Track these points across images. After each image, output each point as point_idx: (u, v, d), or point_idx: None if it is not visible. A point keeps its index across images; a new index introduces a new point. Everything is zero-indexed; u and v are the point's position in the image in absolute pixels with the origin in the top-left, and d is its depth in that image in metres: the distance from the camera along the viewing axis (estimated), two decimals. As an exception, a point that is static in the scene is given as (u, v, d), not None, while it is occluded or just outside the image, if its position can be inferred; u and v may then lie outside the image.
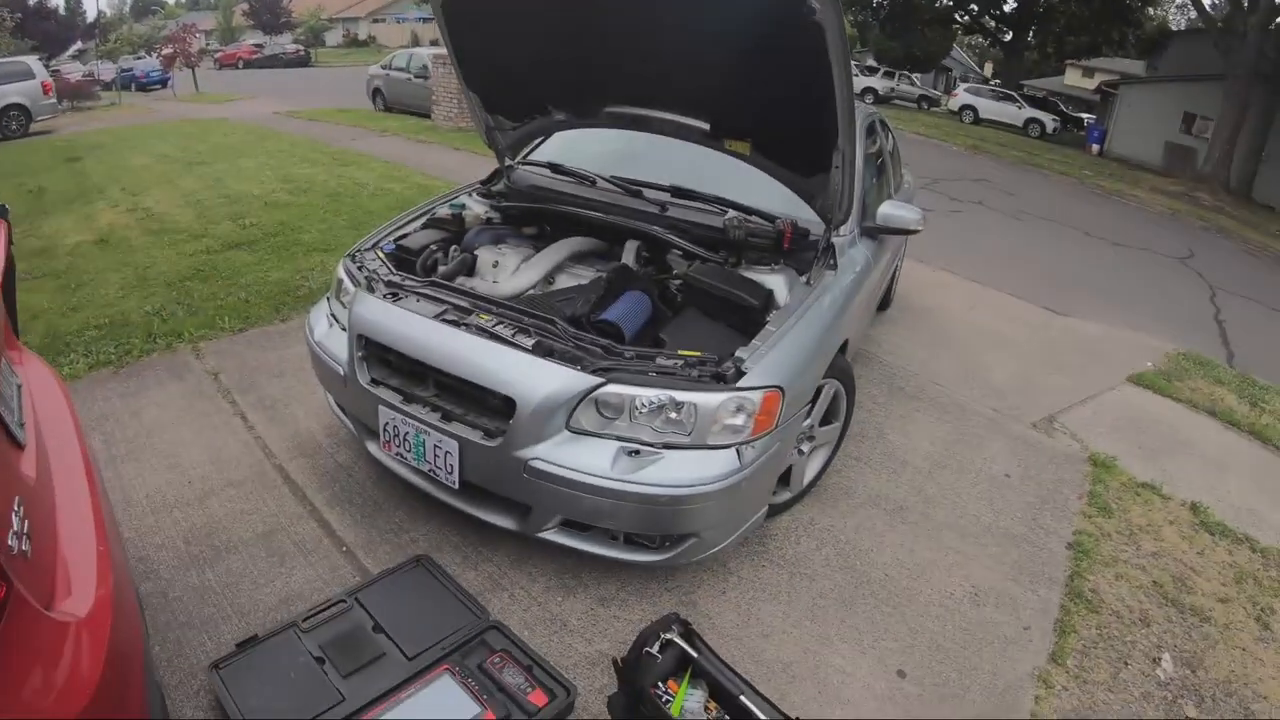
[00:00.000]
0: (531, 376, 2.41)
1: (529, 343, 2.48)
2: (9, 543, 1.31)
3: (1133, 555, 3.23)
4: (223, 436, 3.57)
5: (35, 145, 11.76)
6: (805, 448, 3.11)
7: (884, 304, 5.35)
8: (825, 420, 3.21)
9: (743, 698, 2.08)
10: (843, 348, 3.17)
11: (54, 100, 15.00)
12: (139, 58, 29.62)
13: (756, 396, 2.42)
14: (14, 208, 7.32)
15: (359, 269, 3.01)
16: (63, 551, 1.63)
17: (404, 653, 2.37)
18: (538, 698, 2.22)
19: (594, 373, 2.39)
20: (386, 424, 2.72)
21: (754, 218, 3.14)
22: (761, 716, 2.04)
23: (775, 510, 3.10)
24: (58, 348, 4.32)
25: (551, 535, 2.60)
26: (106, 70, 25.72)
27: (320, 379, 3.19)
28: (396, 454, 2.76)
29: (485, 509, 2.69)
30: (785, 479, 3.05)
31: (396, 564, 2.77)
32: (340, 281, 3.05)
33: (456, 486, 2.62)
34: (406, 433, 2.66)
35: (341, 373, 2.87)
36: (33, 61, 15.29)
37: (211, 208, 7.25)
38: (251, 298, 5.10)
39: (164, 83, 25.55)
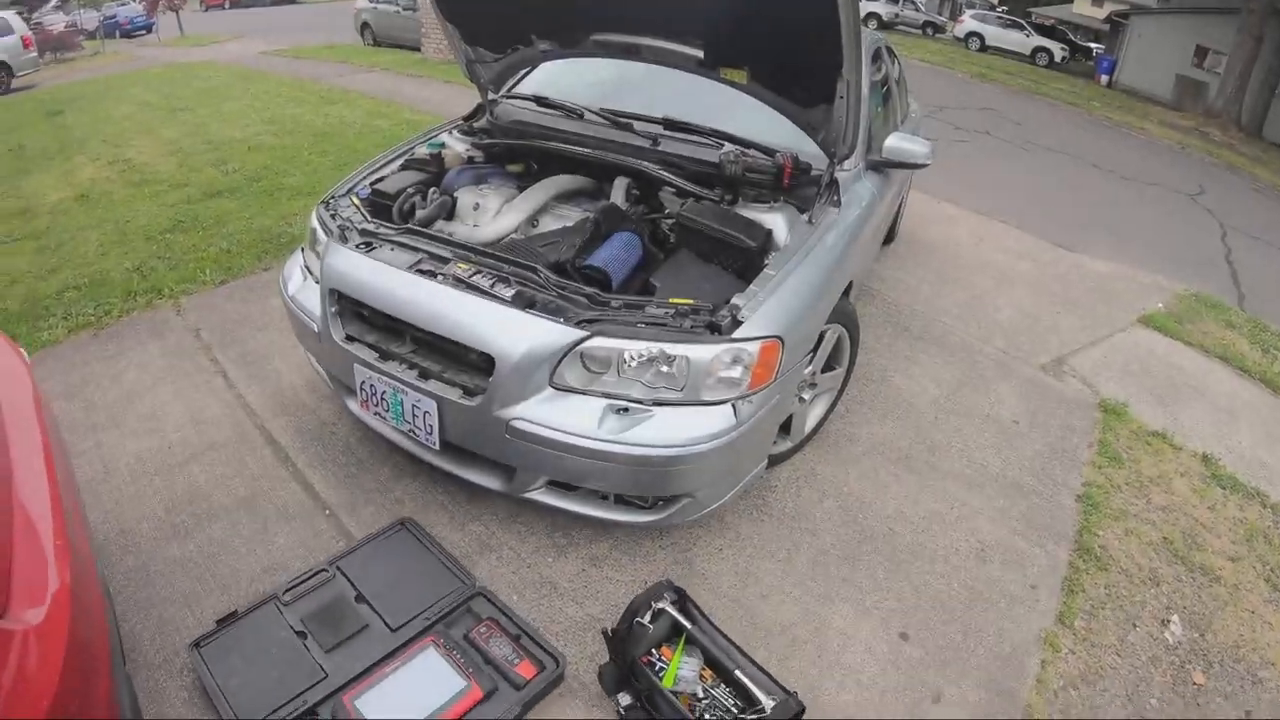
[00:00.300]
0: (511, 331, 2.25)
1: (508, 293, 2.31)
2: None
3: (1143, 509, 3.10)
4: (204, 397, 3.45)
5: (16, 101, 11.40)
6: (807, 395, 2.97)
7: (889, 238, 5.15)
8: (828, 366, 3.05)
9: (738, 672, 1.97)
10: (846, 290, 2.99)
11: (35, 54, 14.56)
12: (123, 4, 28.71)
13: (754, 347, 2.25)
14: (-7, 169, 7.01)
15: (332, 217, 2.84)
16: (18, 552, 1.54)
17: (387, 624, 2.28)
18: (525, 669, 2.13)
19: (578, 325, 2.23)
20: (363, 383, 2.58)
21: (752, 152, 2.91)
22: (757, 692, 1.93)
23: (775, 460, 2.97)
24: (37, 312, 4.18)
25: (538, 496, 2.48)
26: (90, 19, 24.99)
27: (297, 335, 3.05)
28: (375, 413, 2.63)
29: (469, 469, 2.56)
30: (786, 428, 2.92)
31: (380, 528, 2.67)
32: (314, 231, 2.88)
33: (437, 447, 2.49)
34: (384, 392, 2.52)
35: (316, 329, 2.72)
36: (11, 16, 14.75)
37: (194, 155, 7.01)
38: (234, 247, 4.93)
39: (149, 28, 24.85)
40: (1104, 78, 23.75)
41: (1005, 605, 2.58)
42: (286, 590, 2.39)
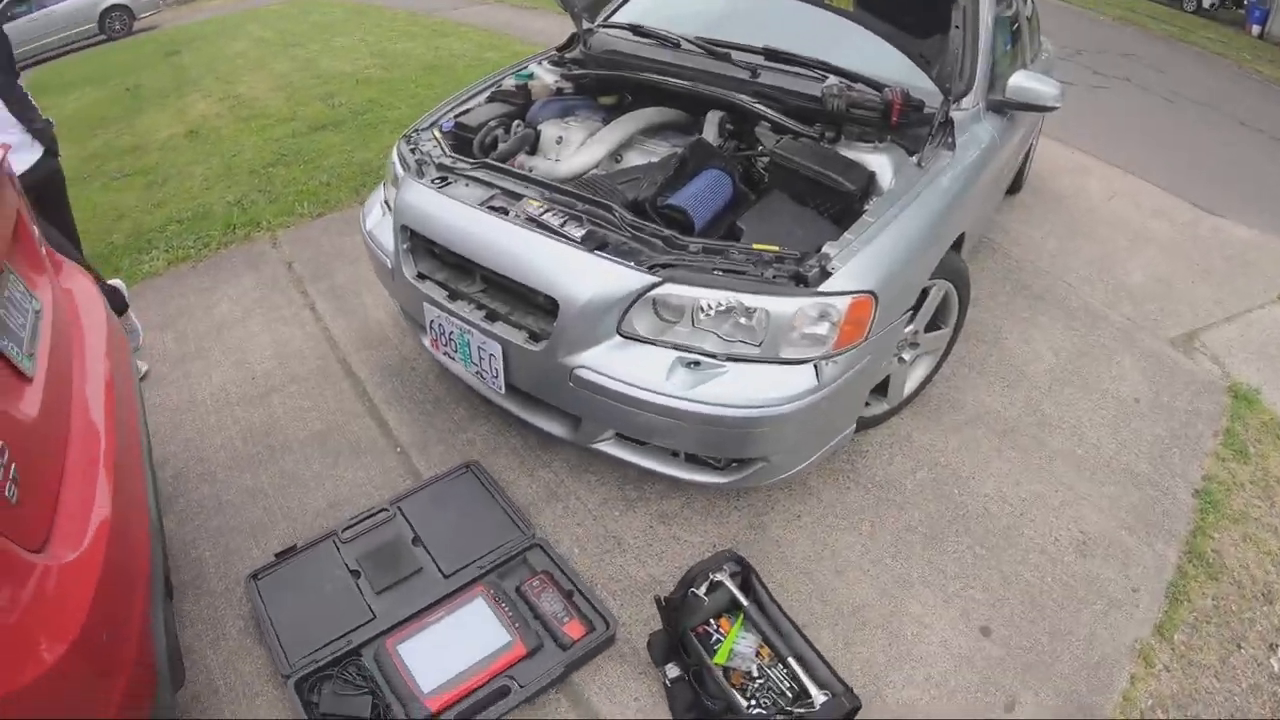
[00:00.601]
0: (577, 273, 2.10)
1: (578, 233, 2.16)
2: None
3: (1265, 513, 2.72)
4: (291, 329, 3.49)
5: (138, 42, 11.80)
6: (907, 356, 2.72)
7: (1015, 187, 4.72)
8: (932, 325, 2.79)
9: (791, 659, 1.81)
10: (958, 242, 2.71)
11: (155, -4, 14.95)
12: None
13: (842, 303, 2.03)
14: (110, 108, 7.37)
15: (412, 151, 2.75)
16: (66, 488, 1.57)
17: (440, 569, 2.23)
18: (574, 628, 2.03)
19: (650, 269, 2.06)
20: (432, 321, 2.50)
21: (859, 86, 2.63)
22: (809, 684, 1.77)
23: (868, 423, 2.76)
24: (141, 245, 4.32)
25: (605, 448, 2.35)
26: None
27: (375, 271, 3.00)
28: (444, 353, 2.55)
29: (536, 414, 2.46)
30: (882, 389, 2.69)
31: (445, 470, 2.62)
32: (393, 165, 2.80)
33: (502, 391, 2.40)
34: (452, 332, 2.43)
35: (389, 265, 2.65)
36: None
37: (302, 89, 7.10)
38: (333, 180, 4.96)
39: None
40: (1255, 28, 21.38)
41: (1101, 608, 2.30)
42: (346, 528, 2.37)
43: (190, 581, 2.33)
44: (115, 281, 3.24)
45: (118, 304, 3.14)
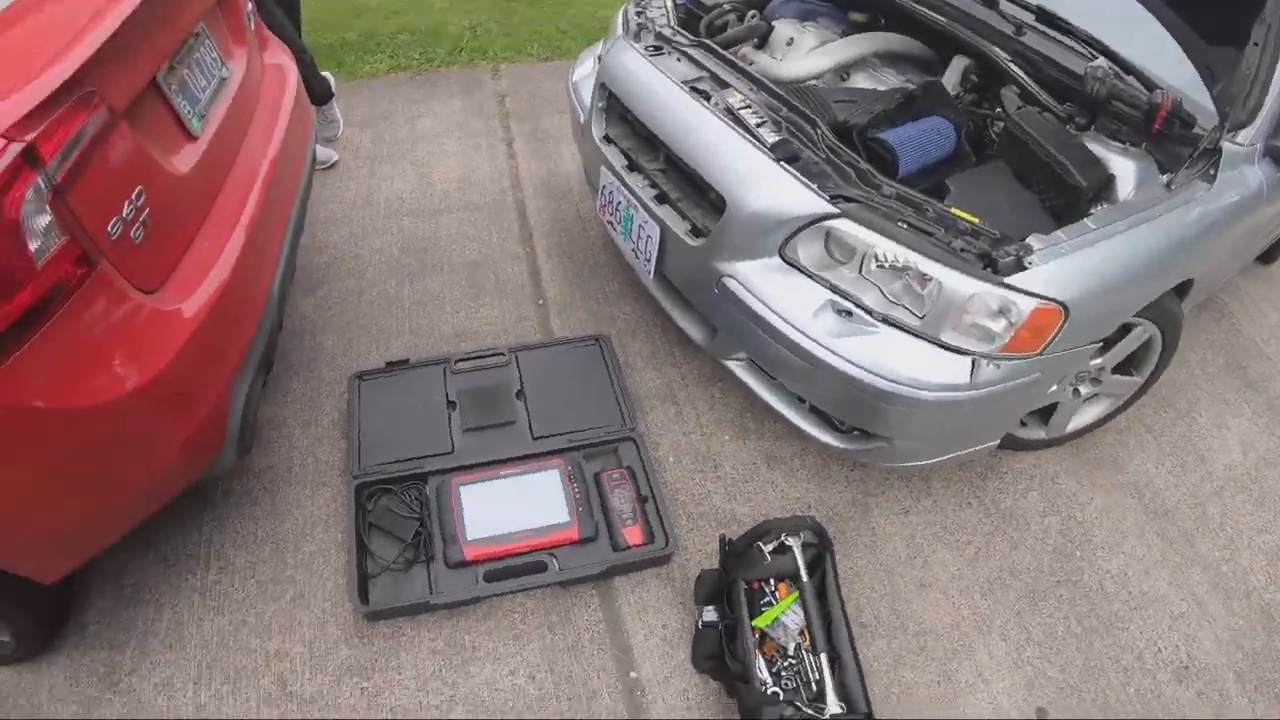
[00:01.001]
0: (756, 179, 1.96)
1: (771, 139, 2.00)
2: (109, 229, 1.33)
3: None
4: (482, 159, 3.54)
5: None
6: (1084, 390, 2.42)
7: (1270, 256, 4.08)
8: (1123, 368, 2.46)
9: (823, 655, 1.70)
10: (1183, 288, 2.35)
11: None
12: None
13: (1027, 304, 1.78)
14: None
15: (638, 14, 2.66)
16: (199, 242, 1.64)
17: (532, 429, 2.23)
18: (633, 534, 1.99)
19: (834, 199, 1.88)
20: (604, 186, 2.46)
21: (1129, 78, 2.25)
22: (831, 693, 1.67)
23: (1016, 444, 2.49)
24: (369, 47, 4.46)
25: (735, 368, 2.24)
26: None
27: (570, 123, 2.97)
28: (608, 221, 2.50)
29: (678, 310, 2.38)
30: (1045, 414, 2.43)
31: (575, 335, 2.62)
32: (616, 24, 2.73)
33: (650, 276, 2.33)
34: (619, 203, 2.38)
35: (581, 120, 2.60)
36: None
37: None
38: (570, 29, 4.92)
39: None
40: None
41: (1172, 741, 1.98)
42: (460, 360, 2.41)
43: (305, 363, 2.45)
44: (325, 74, 3.36)
45: (324, 92, 3.25)
